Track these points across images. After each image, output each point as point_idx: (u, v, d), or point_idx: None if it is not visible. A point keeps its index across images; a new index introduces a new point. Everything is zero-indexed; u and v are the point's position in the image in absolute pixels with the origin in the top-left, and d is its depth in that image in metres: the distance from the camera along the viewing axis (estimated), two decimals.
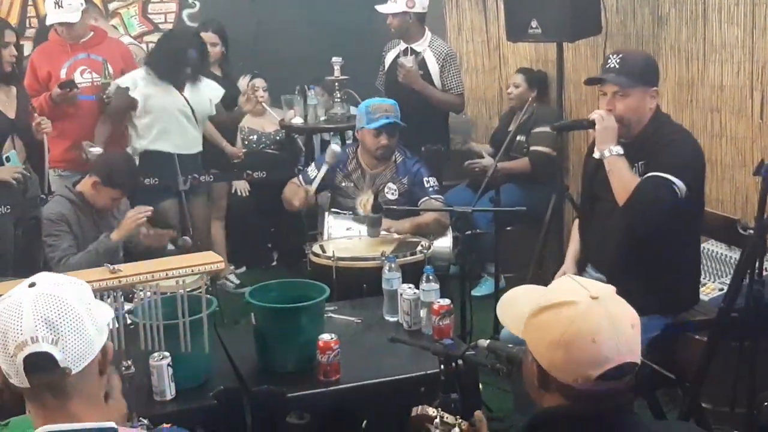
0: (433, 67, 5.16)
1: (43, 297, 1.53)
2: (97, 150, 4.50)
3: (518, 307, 1.73)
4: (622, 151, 3.04)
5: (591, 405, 1.61)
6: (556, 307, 1.62)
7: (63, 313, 1.52)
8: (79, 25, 4.67)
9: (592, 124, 3.07)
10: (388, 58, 5.36)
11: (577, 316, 1.59)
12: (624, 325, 1.60)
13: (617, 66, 3.06)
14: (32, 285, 1.56)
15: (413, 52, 5.17)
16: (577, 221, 3.52)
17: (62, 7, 4.58)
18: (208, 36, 5.06)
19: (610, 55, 3.12)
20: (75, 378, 1.52)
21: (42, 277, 1.60)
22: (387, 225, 4.08)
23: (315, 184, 4.38)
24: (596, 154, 3.17)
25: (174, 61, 4.61)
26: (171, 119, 4.64)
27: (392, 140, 4.35)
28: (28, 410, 1.59)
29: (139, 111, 4.62)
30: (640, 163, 3.08)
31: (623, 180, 3.02)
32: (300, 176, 4.55)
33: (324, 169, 4.40)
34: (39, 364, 1.49)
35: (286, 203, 4.50)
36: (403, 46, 5.23)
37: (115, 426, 1.57)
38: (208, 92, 4.79)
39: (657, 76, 3.19)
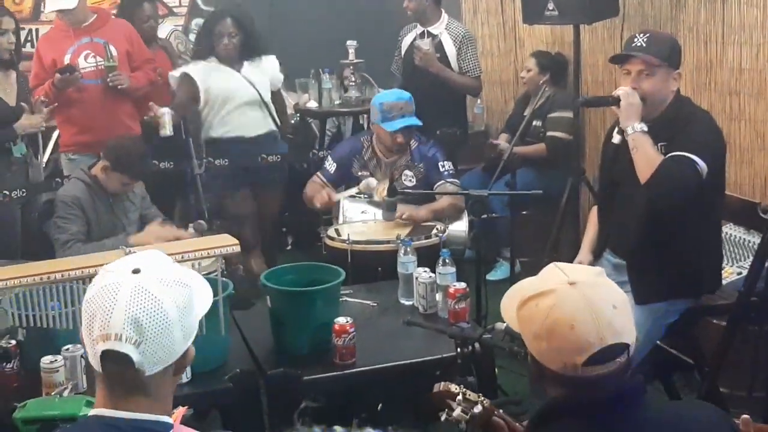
0: (450, 50, 5.11)
1: (141, 292, 1.50)
2: (166, 110, 4.41)
3: (515, 301, 1.72)
4: (646, 128, 3.01)
5: (591, 391, 1.60)
6: (536, 298, 1.63)
7: (155, 317, 1.49)
8: (79, 10, 4.61)
9: (617, 101, 3.04)
10: (405, 42, 5.32)
11: (554, 305, 1.59)
12: (603, 307, 1.59)
13: (644, 45, 3.02)
14: (137, 271, 1.53)
15: (430, 35, 5.12)
16: (594, 208, 3.49)
17: None
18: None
19: (637, 34, 3.09)
20: (147, 377, 1.51)
21: (149, 265, 1.55)
22: (405, 213, 4.04)
23: (343, 195, 4.34)
24: (615, 136, 3.16)
25: (216, 39, 4.63)
26: (230, 105, 4.65)
27: (409, 137, 4.32)
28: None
29: (203, 101, 4.65)
30: (660, 144, 3.04)
31: (647, 156, 2.98)
32: (320, 174, 4.50)
33: (354, 191, 4.36)
34: (116, 360, 1.49)
35: (308, 201, 4.47)
36: (419, 29, 5.18)
37: (171, 421, 1.57)
38: (270, 70, 4.77)
39: (680, 59, 3.16)
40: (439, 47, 5.08)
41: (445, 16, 5.17)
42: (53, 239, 3.79)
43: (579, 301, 1.58)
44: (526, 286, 1.70)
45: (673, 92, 3.11)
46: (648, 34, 3.07)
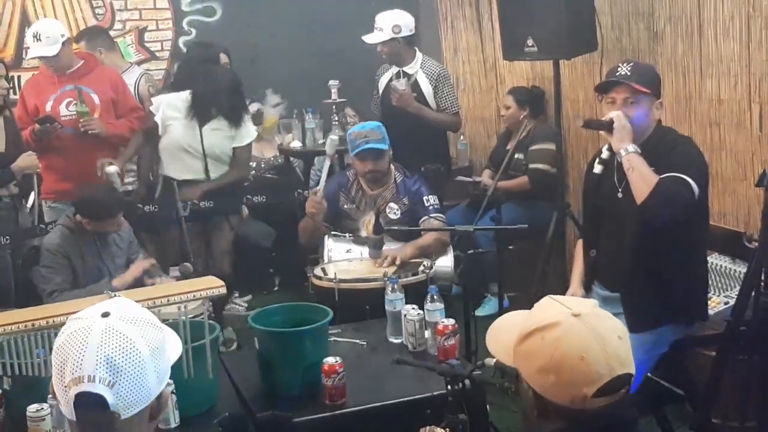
0: (427, 88, 5.16)
1: (112, 333, 1.47)
2: (113, 169, 4.44)
3: (505, 335, 1.71)
4: (639, 150, 3.03)
5: (592, 424, 1.59)
6: (540, 331, 1.60)
7: (128, 356, 1.47)
8: (62, 57, 4.61)
9: (610, 124, 3.06)
10: (382, 82, 5.37)
11: (561, 337, 1.57)
12: (610, 338, 1.58)
13: (628, 73, 3.06)
14: (106, 314, 1.50)
15: (405, 74, 5.17)
16: (580, 241, 3.50)
17: (41, 40, 4.54)
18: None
19: (620, 63, 3.12)
20: (122, 421, 1.47)
21: (117, 308, 1.53)
22: (391, 257, 4.03)
23: (322, 183, 4.37)
24: (597, 166, 3.20)
25: (194, 72, 4.68)
26: (179, 149, 4.67)
27: (378, 164, 4.33)
28: None
29: (161, 134, 4.68)
30: None
31: (644, 176, 2.99)
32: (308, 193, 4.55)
33: (327, 163, 4.42)
34: (89, 404, 1.45)
35: (303, 232, 4.46)
36: (395, 69, 5.23)
37: None
38: (232, 134, 4.74)
39: (661, 89, 3.21)
40: (415, 86, 5.12)
41: (419, 55, 5.21)
42: (39, 289, 3.76)
43: (586, 332, 1.57)
44: (521, 319, 1.68)
45: (656, 121, 3.14)
46: (632, 63, 3.11)
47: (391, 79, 5.19)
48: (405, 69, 5.18)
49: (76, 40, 5.16)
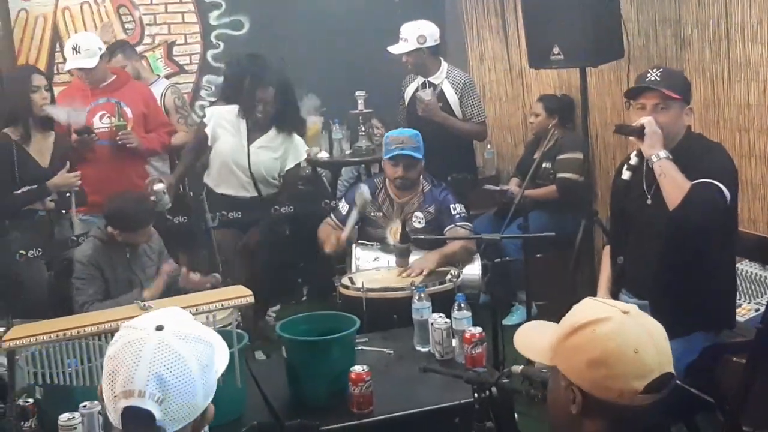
0: (452, 98, 5.17)
1: (165, 349, 1.50)
2: (161, 186, 4.48)
3: (539, 336, 1.70)
4: (670, 156, 3.02)
5: (631, 424, 1.58)
6: (590, 326, 1.60)
7: (179, 374, 1.49)
8: (99, 69, 4.70)
9: (641, 130, 3.05)
10: (408, 92, 5.39)
11: (614, 330, 1.57)
12: (659, 335, 1.59)
13: (658, 79, 3.06)
14: (160, 328, 1.53)
15: (431, 84, 5.19)
16: (607, 248, 3.48)
17: (80, 52, 4.62)
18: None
19: (650, 69, 3.12)
20: None
21: (171, 321, 1.56)
22: (418, 268, 4.04)
23: (347, 231, 4.37)
24: (625, 173, 3.20)
25: (251, 100, 4.65)
26: (226, 165, 4.71)
27: (410, 172, 4.35)
28: None
29: (210, 144, 4.73)
30: None
31: (676, 182, 2.98)
32: (332, 215, 4.55)
33: (354, 215, 4.40)
34: (137, 418, 1.48)
35: (320, 244, 4.51)
36: (420, 79, 5.25)
37: None
38: (282, 154, 4.74)
39: (691, 95, 3.20)
40: (441, 96, 5.14)
41: (444, 65, 5.23)
42: (74, 301, 3.82)
43: (638, 327, 1.58)
44: (562, 321, 1.67)
45: (686, 127, 3.13)
46: (661, 69, 3.11)
47: (416, 90, 5.21)
48: (430, 79, 5.19)
49: (111, 53, 5.24)
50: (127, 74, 5.01)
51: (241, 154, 4.68)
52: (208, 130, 4.72)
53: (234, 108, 4.73)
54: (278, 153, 4.72)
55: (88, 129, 4.55)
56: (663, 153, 3.02)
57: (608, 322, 1.58)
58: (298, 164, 4.89)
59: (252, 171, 4.69)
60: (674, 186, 2.98)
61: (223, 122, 4.73)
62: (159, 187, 4.36)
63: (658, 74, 3.07)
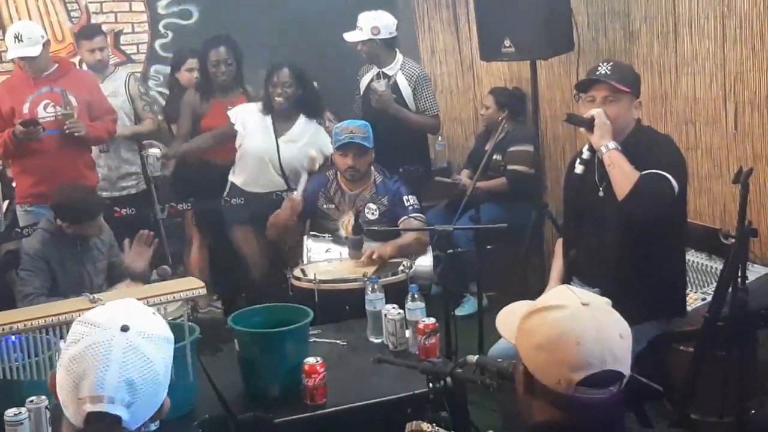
0: (406, 90, 5.18)
1: (133, 352, 1.48)
2: (155, 151, 4.42)
3: (514, 317, 1.72)
4: (619, 147, 3.06)
5: (579, 416, 1.59)
6: (545, 311, 1.62)
7: (148, 378, 1.48)
8: (42, 58, 4.58)
9: (591, 121, 3.08)
10: (363, 82, 5.38)
11: (563, 318, 1.59)
12: (611, 333, 1.59)
13: (609, 72, 3.09)
14: (125, 328, 1.50)
15: (385, 76, 5.20)
16: (560, 240, 3.51)
17: (22, 41, 4.50)
18: (219, 53, 4.99)
19: (600, 63, 3.16)
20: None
21: (134, 317, 1.53)
22: (369, 252, 4.04)
23: (300, 189, 4.40)
24: (578, 167, 3.23)
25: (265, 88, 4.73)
26: (258, 162, 4.73)
27: (359, 161, 4.33)
28: None
29: (237, 144, 4.76)
30: None
31: (624, 172, 3.02)
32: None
33: (305, 176, 4.43)
34: (103, 421, 1.46)
35: (273, 228, 4.48)
36: (375, 70, 5.25)
37: None
38: (309, 144, 4.75)
39: (640, 88, 3.23)
40: (395, 88, 5.15)
41: (399, 57, 5.23)
42: (16, 291, 3.72)
43: (589, 320, 1.58)
44: (534, 303, 1.69)
45: (635, 120, 3.17)
46: (612, 63, 3.15)
47: (371, 80, 5.20)
48: (385, 70, 5.20)
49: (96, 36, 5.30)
50: (69, 62, 4.92)
51: (271, 150, 4.70)
52: (238, 127, 4.72)
53: (256, 105, 4.78)
54: (306, 144, 4.73)
55: (35, 121, 4.44)
56: (612, 144, 3.06)
57: (561, 310, 1.60)
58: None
59: (282, 166, 4.71)
60: (623, 176, 3.01)
61: (248, 120, 4.74)
62: (153, 151, 4.33)
63: (609, 67, 3.11)
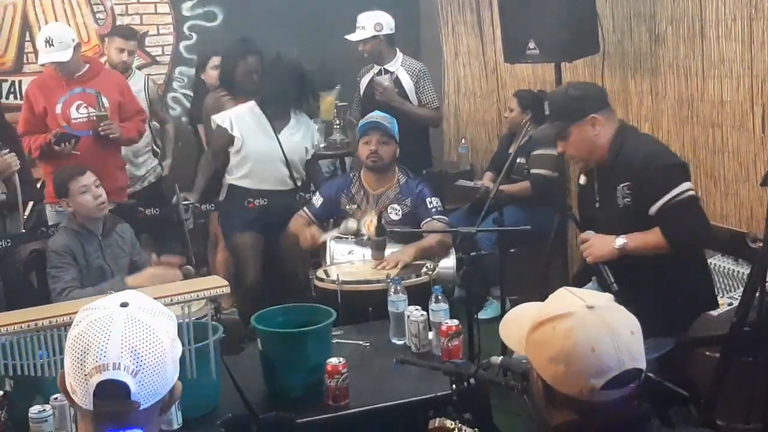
0: (408, 84, 5.30)
1: (134, 322, 1.47)
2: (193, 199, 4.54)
3: (518, 325, 1.71)
4: (624, 240, 3.07)
5: (602, 417, 1.58)
6: (553, 321, 1.60)
7: (151, 345, 1.46)
8: (73, 61, 4.61)
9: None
10: (363, 83, 5.50)
11: (574, 327, 1.57)
12: (623, 332, 1.58)
13: (548, 113, 3.14)
14: (124, 305, 1.50)
15: (387, 72, 5.32)
16: None
17: (53, 45, 4.52)
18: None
19: (545, 102, 3.26)
20: (139, 412, 1.46)
21: (134, 298, 1.53)
22: (393, 260, 4.02)
23: (326, 237, 4.33)
24: (582, 177, 3.36)
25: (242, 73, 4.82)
26: (265, 163, 4.74)
27: (383, 148, 4.30)
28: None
29: (235, 149, 4.73)
30: (623, 185, 3.08)
31: (652, 245, 3.05)
32: (306, 208, 4.51)
33: (334, 233, 4.36)
34: (112, 392, 1.44)
35: (291, 236, 4.47)
36: (376, 68, 5.37)
37: None
38: (305, 137, 4.83)
39: (588, 103, 3.15)
40: (397, 83, 5.27)
41: (399, 54, 5.36)
42: (50, 289, 3.75)
43: (599, 324, 1.57)
44: (536, 310, 1.67)
45: (601, 135, 3.12)
46: (548, 101, 3.25)
47: (372, 79, 5.32)
48: (386, 67, 5.34)
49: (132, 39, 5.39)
50: (100, 63, 4.95)
51: (275, 147, 4.71)
52: (235, 133, 4.71)
53: (248, 104, 4.77)
54: (300, 134, 4.80)
55: (69, 136, 4.50)
56: (618, 243, 3.06)
57: (568, 319, 1.58)
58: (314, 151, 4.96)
59: (288, 160, 4.73)
60: (655, 248, 3.04)
61: (244, 121, 4.73)
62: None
63: (547, 107, 3.23)
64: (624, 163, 3.08)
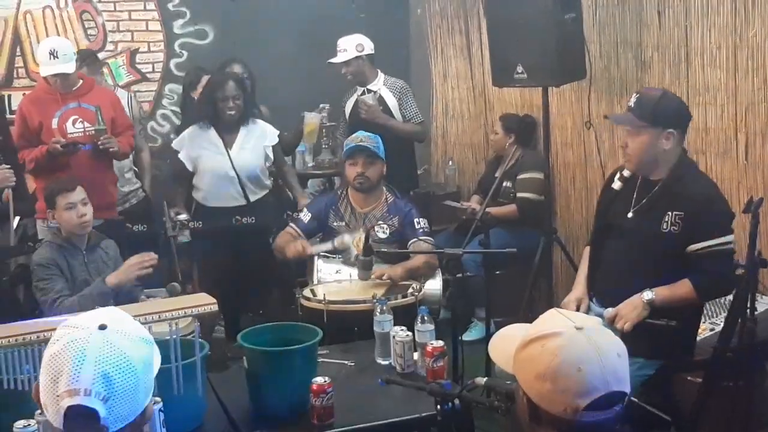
0: (391, 102, 5.39)
1: (109, 347, 1.50)
2: (184, 217, 4.54)
3: (508, 343, 1.73)
4: (651, 294, 3.10)
5: None
6: (542, 339, 1.62)
7: (124, 372, 1.49)
8: (73, 74, 4.63)
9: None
10: (348, 105, 5.56)
11: (562, 346, 1.59)
12: (610, 354, 1.60)
13: (633, 105, 3.15)
14: (103, 327, 1.52)
15: (370, 92, 5.41)
16: (587, 248, 3.56)
17: (57, 57, 4.52)
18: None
19: (634, 93, 3.23)
20: None
21: (113, 320, 1.55)
22: (380, 273, 4.05)
23: (317, 249, 4.36)
24: (617, 182, 3.33)
25: (213, 102, 4.80)
26: (215, 178, 4.80)
27: (370, 169, 4.32)
28: None
29: (192, 168, 4.84)
30: (674, 213, 3.13)
31: (679, 298, 3.12)
32: (293, 224, 4.52)
33: (327, 246, 4.36)
34: (81, 417, 1.46)
35: (279, 252, 4.48)
36: (359, 90, 5.45)
37: None
38: (256, 146, 4.88)
39: (674, 118, 3.19)
40: (381, 101, 5.36)
41: (381, 75, 5.47)
42: (40, 302, 3.75)
43: (587, 344, 1.59)
44: (525, 329, 1.70)
45: (668, 152, 3.16)
46: (638, 94, 3.21)
47: (356, 102, 5.38)
48: (369, 87, 5.43)
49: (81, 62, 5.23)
50: (92, 79, 4.95)
51: (224, 163, 4.77)
52: (182, 157, 4.81)
53: (195, 126, 4.86)
54: (251, 145, 4.85)
55: (75, 145, 4.52)
56: (646, 296, 3.10)
57: (558, 338, 1.60)
58: (279, 144, 5.02)
59: (238, 173, 4.78)
60: (685, 300, 3.12)
61: (195, 143, 4.81)
62: (182, 217, 4.48)
63: (635, 100, 3.18)
64: (684, 193, 3.11)
